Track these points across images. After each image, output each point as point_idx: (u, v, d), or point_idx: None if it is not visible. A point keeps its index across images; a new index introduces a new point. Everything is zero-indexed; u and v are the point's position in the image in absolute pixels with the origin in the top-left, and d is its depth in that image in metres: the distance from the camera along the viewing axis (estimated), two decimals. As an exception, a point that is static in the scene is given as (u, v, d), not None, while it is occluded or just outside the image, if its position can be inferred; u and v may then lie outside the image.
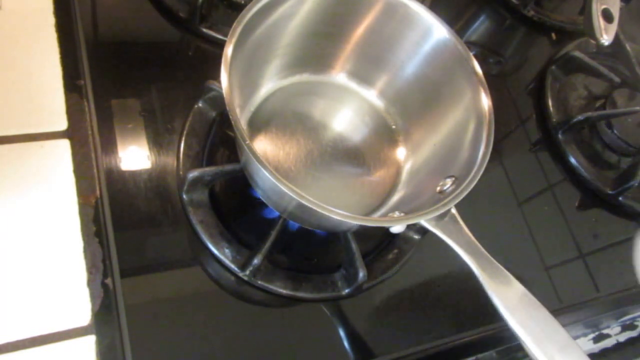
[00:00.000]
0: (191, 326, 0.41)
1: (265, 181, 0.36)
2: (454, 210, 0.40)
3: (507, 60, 0.69)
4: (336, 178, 0.48)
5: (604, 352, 0.55)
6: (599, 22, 0.56)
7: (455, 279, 0.49)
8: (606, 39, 0.57)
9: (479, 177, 0.38)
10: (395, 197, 0.48)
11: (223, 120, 0.48)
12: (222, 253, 0.43)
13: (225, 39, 0.37)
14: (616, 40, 0.58)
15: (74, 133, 0.44)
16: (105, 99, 0.47)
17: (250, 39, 0.40)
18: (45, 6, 0.48)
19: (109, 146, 0.45)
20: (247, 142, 0.34)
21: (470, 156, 0.40)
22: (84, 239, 0.40)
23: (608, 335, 0.56)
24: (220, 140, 0.49)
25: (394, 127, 0.51)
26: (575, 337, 0.55)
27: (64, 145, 0.43)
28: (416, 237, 0.50)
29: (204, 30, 0.53)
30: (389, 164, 0.49)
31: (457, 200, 0.37)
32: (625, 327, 0.57)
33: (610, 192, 0.60)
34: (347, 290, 0.45)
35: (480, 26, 0.71)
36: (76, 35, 0.48)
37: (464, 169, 0.41)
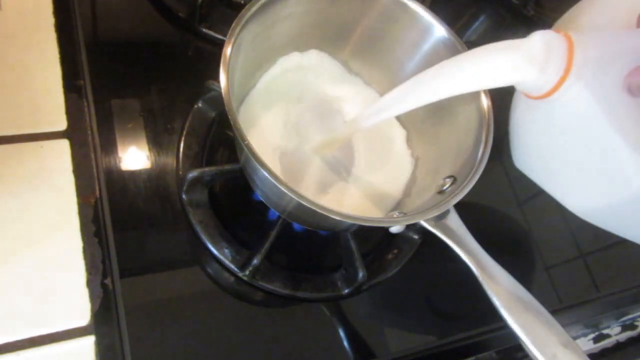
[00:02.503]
0: (191, 326, 0.41)
1: (265, 181, 0.36)
2: (453, 210, 0.40)
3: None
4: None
5: (604, 352, 0.55)
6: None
7: (455, 279, 0.49)
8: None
9: (478, 177, 0.38)
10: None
11: (223, 120, 0.48)
12: (222, 253, 0.43)
13: (224, 38, 0.37)
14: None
15: (73, 133, 0.44)
16: (105, 99, 0.47)
17: (250, 39, 0.40)
18: (45, 6, 0.48)
19: (109, 146, 0.45)
20: (246, 141, 0.34)
21: (470, 156, 0.40)
22: (83, 239, 0.40)
23: (608, 335, 0.56)
24: (219, 140, 0.49)
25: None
26: (575, 337, 0.55)
27: (64, 145, 0.43)
28: (416, 237, 0.50)
29: (204, 30, 0.53)
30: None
31: (456, 200, 0.37)
32: (625, 327, 0.57)
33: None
34: (347, 290, 0.45)
35: (480, 26, 0.71)
36: (76, 35, 0.48)
37: (463, 169, 0.41)
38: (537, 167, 0.40)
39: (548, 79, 0.32)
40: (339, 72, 0.50)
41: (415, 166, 0.49)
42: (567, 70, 0.32)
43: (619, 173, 0.33)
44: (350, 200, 0.45)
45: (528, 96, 0.35)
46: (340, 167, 0.47)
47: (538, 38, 0.33)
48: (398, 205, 0.46)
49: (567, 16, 0.38)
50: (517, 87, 0.35)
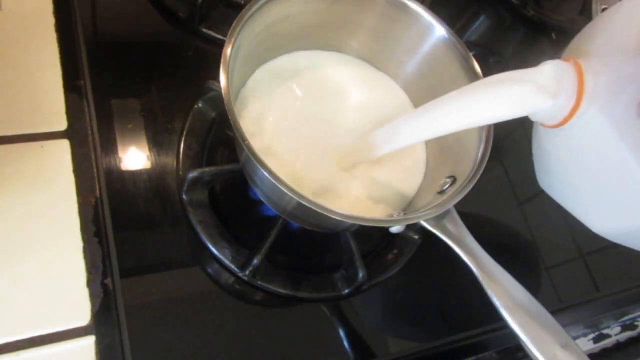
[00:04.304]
0: (191, 326, 0.41)
1: (265, 181, 0.36)
2: (453, 210, 0.40)
3: (507, 60, 0.69)
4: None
5: (604, 352, 0.55)
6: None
7: (455, 279, 0.49)
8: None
9: (478, 177, 0.38)
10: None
11: (223, 120, 0.48)
12: (222, 253, 0.43)
13: (224, 38, 0.37)
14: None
15: (73, 133, 0.44)
16: (105, 99, 0.47)
17: (250, 39, 0.40)
18: (45, 6, 0.48)
19: (109, 146, 0.45)
20: (247, 141, 0.34)
21: (470, 156, 0.40)
22: (83, 239, 0.40)
23: (608, 335, 0.56)
24: (220, 140, 0.49)
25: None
26: (575, 337, 0.55)
27: (64, 145, 0.43)
28: (416, 237, 0.50)
29: (204, 30, 0.53)
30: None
31: (456, 200, 0.37)
32: (625, 327, 0.57)
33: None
34: (346, 290, 0.45)
35: (480, 26, 0.71)
36: (76, 35, 0.48)
37: (463, 169, 0.41)
38: (561, 189, 0.40)
39: (560, 108, 0.33)
40: (339, 57, 0.49)
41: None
42: (578, 98, 0.32)
43: (638, 194, 0.33)
44: (358, 200, 0.44)
45: (543, 125, 0.36)
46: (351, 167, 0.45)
47: (547, 68, 0.33)
48: (409, 206, 0.46)
49: (574, 43, 0.39)
50: (531, 118, 0.35)
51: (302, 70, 0.48)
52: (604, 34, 0.35)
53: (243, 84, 0.45)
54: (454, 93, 0.36)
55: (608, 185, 0.35)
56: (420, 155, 0.48)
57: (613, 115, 0.32)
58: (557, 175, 0.40)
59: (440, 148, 0.47)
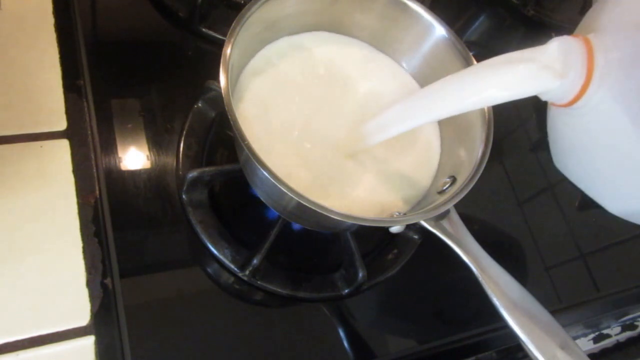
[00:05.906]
0: (191, 326, 0.41)
1: (264, 181, 0.36)
2: (453, 210, 0.40)
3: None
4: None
5: (604, 352, 0.55)
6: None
7: (455, 279, 0.49)
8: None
9: (478, 177, 0.38)
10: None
11: (223, 120, 0.48)
12: (222, 253, 0.43)
13: (224, 38, 0.37)
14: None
15: (73, 133, 0.44)
16: (105, 98, 0.47)
17: (250, 39, 0.40)
18: (44, 6, 0.48)
19: (109, 146, 0.45)
20: (246, 141, 0.34)
21: (470, 156, 0.40)
22: (83, 239, 0.40)
23: (608, 335, 0.56)
24: (219, 140, 0.49)
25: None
26: (575, 337, 0.55)
27: (64, 145, 0.43)
28: (416, 237, 0.50)
29: (204, 30, 0.53)
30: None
31: (456, 200, 0.37)
32: (625, 327, 0.57)
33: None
34: (347, 290, 0.45)
35: (480, 26, 0.71)
36: (76, 35, 0.48)
37: (463, 169, 0.41)
38: (575, 169, 0.39)
39: (570, 87, 0.31)
40: (341, 39, 0.48)
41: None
42: (588, 76, 0.31)
43: None
44: (366, 194, 0.43)
45: (554, 105, 0.34)
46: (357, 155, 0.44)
47: (555, 45, 0.31)
48: (424, 199, 0.44)
49: (586, 19, 0.37)
50: (541, 97, 0.34)
51: (302, 54, 0.46)
52: (615, 9, 0.34)
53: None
54: (459, 73, 0.35)
55: (621, 165, 0.34)
56: (435, 150, 0.47)
57: (625, 93, 0.30)
58: (571, 155, 0.39)
59: (441, 148, 0.46)
